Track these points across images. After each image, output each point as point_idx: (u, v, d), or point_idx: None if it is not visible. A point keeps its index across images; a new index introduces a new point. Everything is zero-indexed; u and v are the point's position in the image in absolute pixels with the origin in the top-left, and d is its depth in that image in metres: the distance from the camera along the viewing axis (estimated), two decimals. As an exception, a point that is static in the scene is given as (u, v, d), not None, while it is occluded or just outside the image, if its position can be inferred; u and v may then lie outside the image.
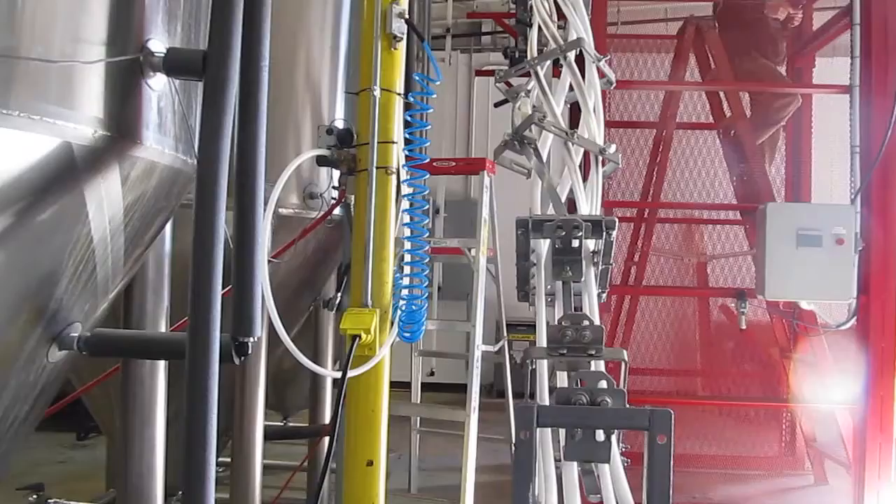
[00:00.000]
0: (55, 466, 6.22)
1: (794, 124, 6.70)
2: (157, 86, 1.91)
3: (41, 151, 1.64)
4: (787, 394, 6.22)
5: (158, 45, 1.89)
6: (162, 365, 2.70)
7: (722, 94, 6.64)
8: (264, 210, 2.02)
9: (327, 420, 4.96)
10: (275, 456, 5.62)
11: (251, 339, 1.94)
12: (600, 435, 1.64)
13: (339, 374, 2.75)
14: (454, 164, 4.89)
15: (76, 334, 2.05)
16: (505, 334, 5.57)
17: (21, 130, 1.58)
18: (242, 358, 1.96)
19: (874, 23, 5.41)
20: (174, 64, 1.86)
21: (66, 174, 1.71)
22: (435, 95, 3.00)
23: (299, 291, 4.54)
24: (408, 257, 3.04)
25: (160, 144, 1.96)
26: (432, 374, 9.15)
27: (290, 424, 5.82)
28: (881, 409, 5.09)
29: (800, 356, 6.16)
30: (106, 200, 1.86)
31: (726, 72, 6.38)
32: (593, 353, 1.73)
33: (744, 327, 5.50)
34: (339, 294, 3.37)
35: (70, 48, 1.70)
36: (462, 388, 4.64)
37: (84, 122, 1.71)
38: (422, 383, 5.81)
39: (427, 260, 3.11)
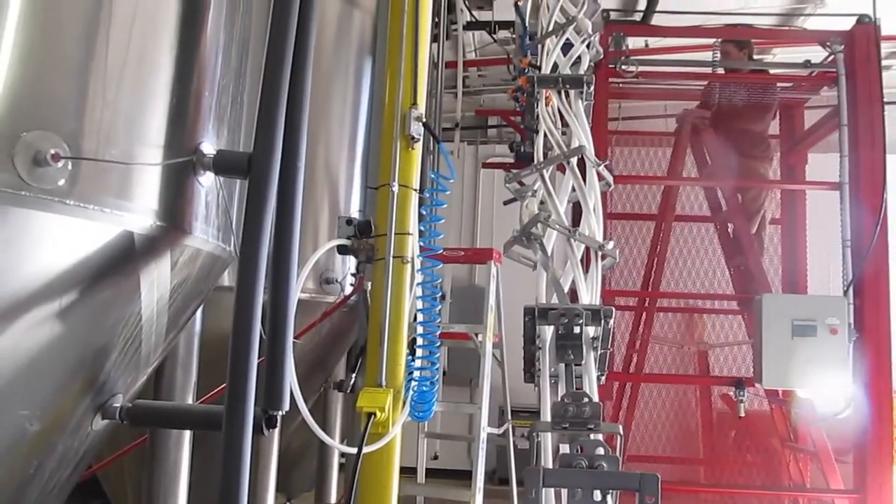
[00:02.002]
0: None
1: (788, 218, 6.97)
2: (206, 182, 2.15)
3: (106, 238, 1.87)
4: (789, 483, 6.28)
5: (209, 147, 2.15)
6: (187, 437, 2.86)
7: (718, 189, 6.93)
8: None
9: (333, 501, 5.04)
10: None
11: (280, 412, 2.13)
12: (598, 495, 1.83)
13: (353, 450, 2.91)
14: (463, 253, 5.13)
15: (118, 405, 2.24)
16: (509, 418, 5.69)
17: (90, 220, 1.81)
18: (271, 430, 2.14)
19: (861, 123, 5.73)
20: (223, 164, 2.11)
21: (125, 259, 1.94)
22: (448, 192, 3.26)
23: (312, 372, 4.70)
24: (420, 340, 3.23)
25: (205, 234, 2.19)
26: (436, 457, 9.17)
27: (295, 506, 5.88)
28: (880, 496, 5.16)
29: (799, 445, 6.25)
30: (156, 282, 2.08)
31: (721, 168, 6.69)
32: (592, 427, 1.92)
33: (742, 415, 5.63)
34: (354, 375, 3.55)
35: (134, 149, 1.95)
36: (466, 475, 4.75)
37: (143, 214, 1.94)
38: (426, 469, 5.89)
39: (438, 343, 3.30)
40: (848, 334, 5.25)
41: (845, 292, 5.44)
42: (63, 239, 1.79)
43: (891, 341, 5.37)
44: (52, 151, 1.66)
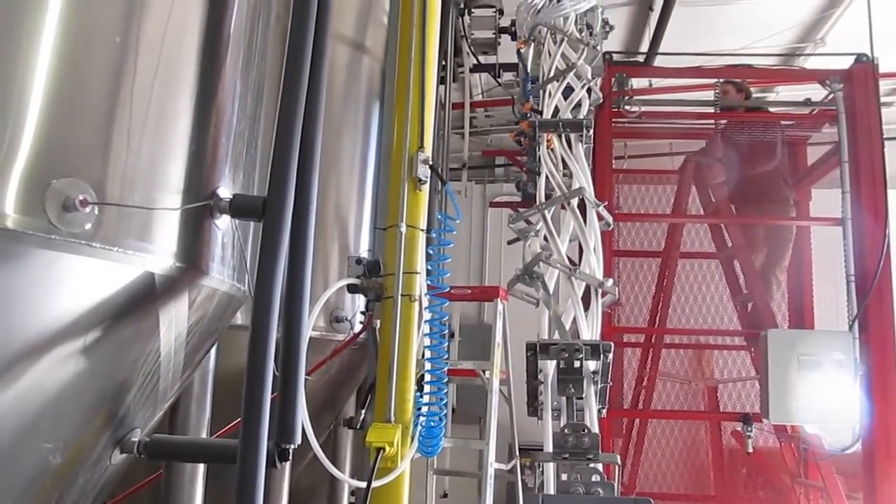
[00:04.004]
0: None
1: (794, 253, 7.04)
2: (223, 225, 2.26)
3: (128, 279, 1.97)
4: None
5: (225, 191, 2.26)
6: (201, 472, 2.94)
7: (723, 226, 7.02)
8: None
9: (344, 538, 5.07)
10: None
11: (292, 446, 2.21)
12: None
13: (363, 484, 2.98)
14: (470, 291, 5.21)
15: (136, 439, 2.32)
16: (517, 454, 5.71)
17: (114, 262, 1.92)
18: (283, 463, 2.22)
19: (861, 160, 5.83)
20: (239, 208, 2.22)
21: (146, 298, 2.04)
22: (455, 232, 3.37)
23: (322, 410, 4.77)
24: (428, 377, 3.31)
25: (221, 274, 2.29)
26: (445, 496, 9.14)
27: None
28: (890, 532, 5.16)
29: (809, 481, 6.24)
30: (175, 321, 2.17)
31: (725, 205, 6.79)
32: (591, 457, 2.00)
33: (750, 451, 5.64)
34: (364, 411, 3.62)
35: (155, 194, 2.06)
36: (476, 516, 4.75)
37: (164, 255, 2.04)
38: (435, 507, 5.89)
39: (446, 380, 3.38)
40: (854, 369, 5.29)
41: (850, 327, 5.49)
42: (88, 279, 1.90)
43: (897, 376, 5.40)
44: (81, 197, 1.77)
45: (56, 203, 1.75)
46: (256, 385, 2.05)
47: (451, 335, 9.22)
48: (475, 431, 8.28)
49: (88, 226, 1.82)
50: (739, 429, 6.69)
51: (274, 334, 2.10)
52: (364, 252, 4.56)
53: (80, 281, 1.89)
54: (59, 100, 1.83)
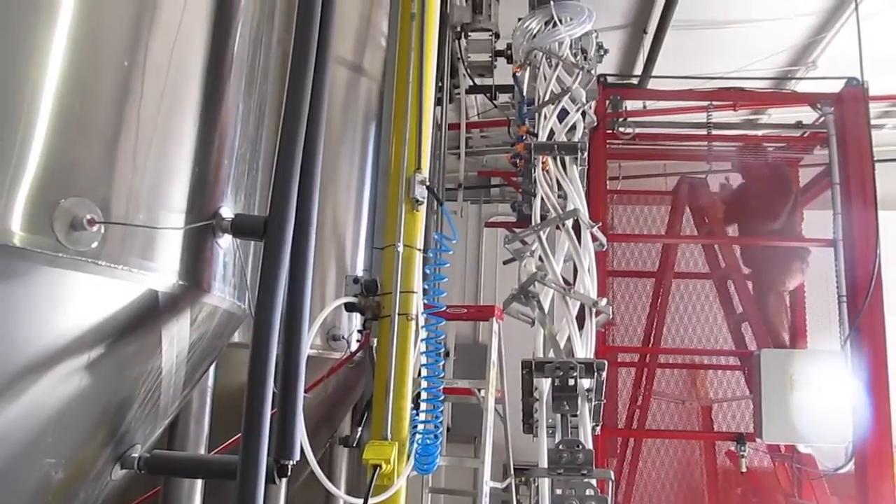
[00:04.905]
0: None
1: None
2: (224, 244, 2.30)
3: (132, 296, 2.01)
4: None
5: (227, 211, 2.30)
6: (199, 489, 2.96)
7: (717, 246, 7.09)
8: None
9: (339, 557, 5.06)
10: None
11: (291, 462, 2.24)
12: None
13: (360, 501, 3.00)
14: (466, 310, 5.25)
15: (136, 455, 2.35)
16: (512, 473, 5.73)
17: (118, 279, 1.96)
18: (282, 479, 2.25)
19: (852, 181, 5.91)
20: (240, 227, 2.26)
21: (149, 315, 2.08)
22: (452, 252, 3.41)
23: (318, 428, 4.78)
24: (424, 395, 3.34)
25: (222, 292, 2.33)
26: (440, 516, 9.12)
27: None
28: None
29: (803, 501, 6.26)
30: (177, 338, 2.21)
31: (719, 226, 6.86)
32: (585, 472, 2.03)
33: (744, 470, 5.67)
34: (360, 428, 3.64)
35: (159, 214, 2.10)
36: (470, 537, 4.76)
37: (167, 273, 2.09)
38: (430, 528, 5.88)
39: (441, 398, 3.41)
40: (846, 388, 5.33)
41: (843, 346, 5.54)
42: (93, 297, 1.93)
43: (889, 395, 5.44)
44: (88, 216, 1.81)
45: (64, 222, 1.79)
46: (257, 402, 2.09)
47: (447, 354, 9.27)
48: (469, 451, 8.27)
49: (95, 244, 1.86)
50: (734, 448, 6.73)
51: (274, 351, 2.14)
52: (360, 271, 4.60)
53: (85, 298, 1.93)
54: (67, 120, 1.88)
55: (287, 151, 2.27)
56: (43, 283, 1.83)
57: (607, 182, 6.29)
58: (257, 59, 2.63)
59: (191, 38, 2.26)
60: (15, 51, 1.81)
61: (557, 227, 3.05)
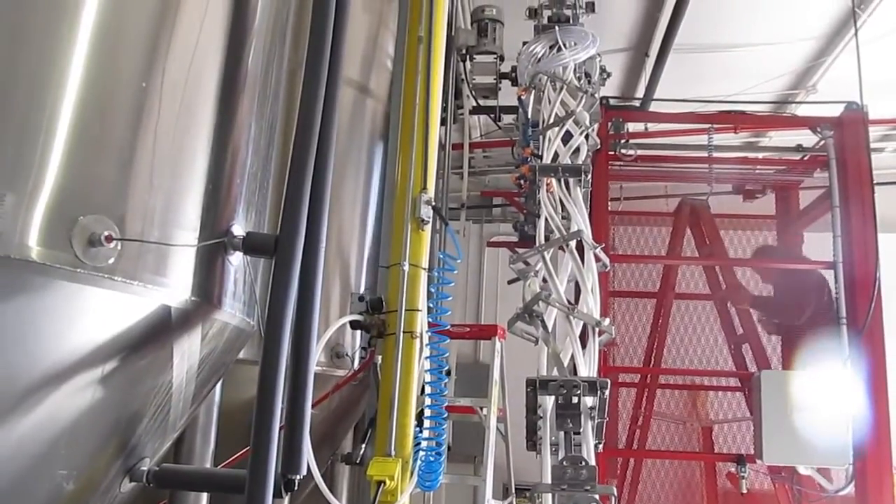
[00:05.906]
0: None
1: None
2: (236, 261, 2.35)
3: (146, 311, 2.06)
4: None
5: (239, 229, 2.35)
6: (204, 502, 2.98)
7: (717, 268, 7.13)
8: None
9: (340, 575, 5.06)
10: None
11: (298, 476, 2.27)
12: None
13: (363, 517, 3.02)
14: (469, 329, 5.28)
15: (145, 468, 2.38)
16: (513, 492, 5.73)
17: (133, 294, 2.00)
18: (289, 493, 2.28)
19: (852, 205, 5.95)
20: (251, 245, 2.31)
21: (161, 330, 2.12)
22: (456, 272, 3.46)
23: (321, 444, 4.79)
24: (428, 412, 3.37)
25: (233, 308, 2.38)
26: (440, 535, 9.09)
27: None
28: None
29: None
30: (188, 353, 2.25)
31: (719, 247, 6.90)
32: (588, 488, 2.07)
33: (745, 492, 5.67)
34: (364, 445, 3.67)
35: (173, 231, 2.15)
36: (472, 553, 4.76)
37: (180, 289, 2.13)
38: (429, 550, 5.88)
39: (445, 416, 3.44)
40: (847, 410, 5.35)
41: (843, 368, 5.56)
42: (107, 311, 1.98)
43: (889, 416, 5.46)
44: (106, 233, 1.87)
45: (82, 238, 1.84)
46: (266, 417, 2.13)
47: (448, 372, 9.29)
48: (469, 470, 8.25)
49: (111, 260, 1.91)
50: (734, 470, 6.73)
51: (283, 367, 2.18)
52: (363, 289, 4.63)
53: (100, 313, 1.97)
54: (85, 138, 1.94)
55: (298, 170, 2.32)
56: (60, 298, 1.87)
57: (609, 203, 6.34)
58: (269, 79, 2.69)
59: (206, 59, 2.32)
60: (35, 70, 1.86)
61: (561, 248, 3.10)
